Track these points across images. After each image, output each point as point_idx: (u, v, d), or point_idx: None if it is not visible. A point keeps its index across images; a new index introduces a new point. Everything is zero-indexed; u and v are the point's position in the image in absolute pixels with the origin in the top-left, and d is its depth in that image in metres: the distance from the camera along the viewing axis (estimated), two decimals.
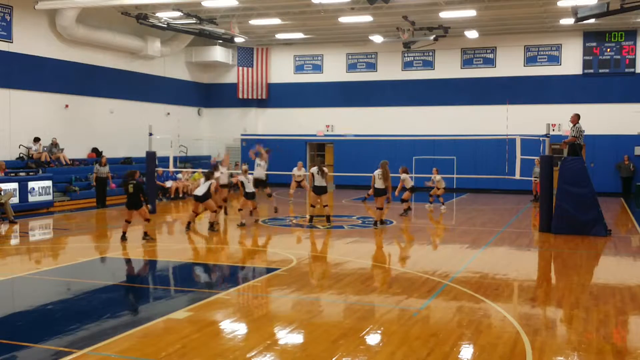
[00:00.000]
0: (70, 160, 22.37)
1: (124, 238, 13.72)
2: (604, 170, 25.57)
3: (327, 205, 16.87)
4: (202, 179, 15.75)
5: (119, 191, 22.99)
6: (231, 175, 18.89)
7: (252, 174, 17.59)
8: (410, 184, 19.17)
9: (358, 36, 27.47)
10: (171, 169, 21.61)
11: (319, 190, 16.55)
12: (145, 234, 13.92)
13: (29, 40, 21.31)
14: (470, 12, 21.82)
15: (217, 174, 16.46)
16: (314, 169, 16.71)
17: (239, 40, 26.41)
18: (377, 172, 16.42)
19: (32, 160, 20.89)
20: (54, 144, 21.92)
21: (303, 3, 21.68)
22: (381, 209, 16.59)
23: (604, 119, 25.58)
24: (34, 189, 19.15)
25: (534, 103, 26.60)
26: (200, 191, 15.15)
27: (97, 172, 20.71)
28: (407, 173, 19.39)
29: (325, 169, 16.86)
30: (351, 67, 29.67)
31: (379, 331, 7.44)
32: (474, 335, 7.29)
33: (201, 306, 8.53)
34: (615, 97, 25.79)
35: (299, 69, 30.47)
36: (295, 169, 22.04)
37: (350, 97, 29.40)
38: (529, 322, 7.78)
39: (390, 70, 28.92)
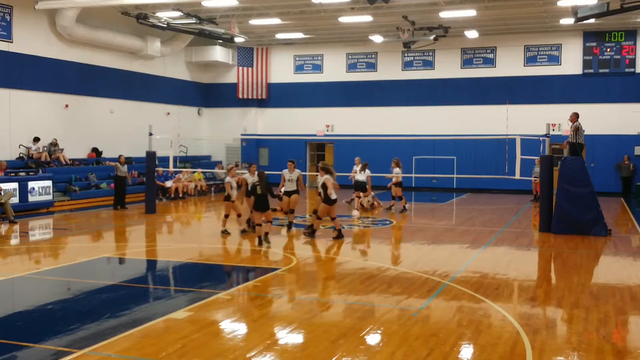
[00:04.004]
0: (70, 160, 22.37)
1: (260, 242, 13.34)
2: (604, 170, 25.57)
3: None
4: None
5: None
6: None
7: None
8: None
9: (358, 36, 27.46)
10: (171, 169, 21.59)
11: None
12: (266, 235, 13.56)
13: (29, 40, 21.30)
14: (470, 12, 21.83)
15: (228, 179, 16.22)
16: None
17: (239, 40, 26.40)
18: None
19: (32, 160, 20.88)
20: (54, 144, 21.92)
21: (303, 3, 21.68)
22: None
23: (604, 119, 25.56)
24: (34, 188, 19.15)
25: (534, 103, 26.59)
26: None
27: (118, 171, 20.18)
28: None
29: None
30: (351, 67, 29.66)
31: (379, 331, 7.44)
32: (474, 335, 7.29)
33: (201, 306, 8.53)
34: (615, 97, 25.78)
35: (299, 68, 30.46)
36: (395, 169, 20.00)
37: (350, 97, 29.38)
38: (529, 322, 7.78)
39: (390, 70, 28.90)
